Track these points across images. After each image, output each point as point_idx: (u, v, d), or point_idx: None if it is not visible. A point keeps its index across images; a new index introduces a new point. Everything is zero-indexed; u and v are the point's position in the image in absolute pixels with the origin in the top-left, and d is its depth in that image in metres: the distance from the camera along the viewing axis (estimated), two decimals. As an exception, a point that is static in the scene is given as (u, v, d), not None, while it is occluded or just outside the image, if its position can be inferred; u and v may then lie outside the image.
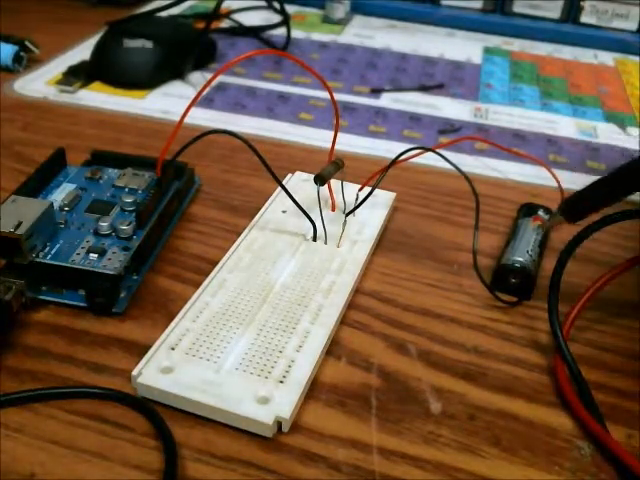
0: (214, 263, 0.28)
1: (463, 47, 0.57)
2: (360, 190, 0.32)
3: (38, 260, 0.27)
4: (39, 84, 0.45)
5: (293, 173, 0.35)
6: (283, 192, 0.30)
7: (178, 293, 0.28)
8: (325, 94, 0.45)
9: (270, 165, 0.30)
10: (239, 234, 0.30)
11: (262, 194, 0.34)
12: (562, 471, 0.22)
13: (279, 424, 0.22)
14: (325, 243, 0.30)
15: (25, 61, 0.47)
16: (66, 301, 0.27)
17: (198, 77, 0.48)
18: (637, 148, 0.43)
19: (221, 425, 0.22)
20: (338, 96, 0.44)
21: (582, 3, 0.59)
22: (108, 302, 0.26)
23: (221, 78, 0.48)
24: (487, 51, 0.57)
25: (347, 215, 0.31)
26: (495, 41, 0.59)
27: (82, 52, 0.50)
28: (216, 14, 0.48)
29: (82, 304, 0.27)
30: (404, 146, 0.32)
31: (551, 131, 0.44)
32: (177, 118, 0.30)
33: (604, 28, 0.59)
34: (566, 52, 0.58)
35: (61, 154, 0.33)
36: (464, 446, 0.23)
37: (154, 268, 0.29)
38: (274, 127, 0.42)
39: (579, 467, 0.22)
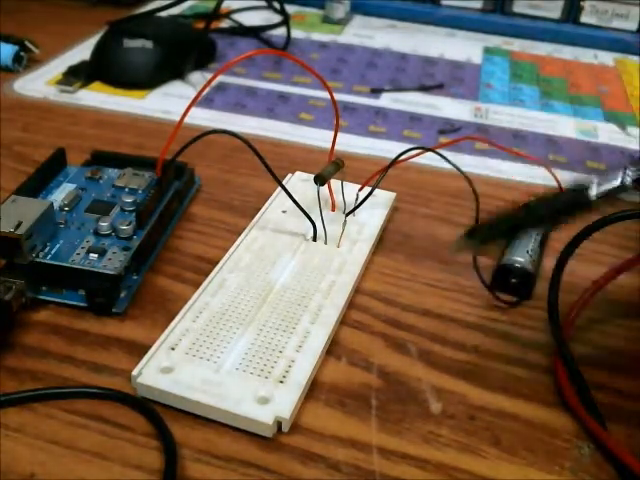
0: (214, 263, 0.28)
1: (463, 47, 0.57)
2: (360, 190, 0.32)
3: (38, 260, 0.27)
4: (39, 84, 0.45)
5: (293, 173, 0.35)
6: (283, 192, 0.30)
7: (178, 293, 0.28)
8: (325, 94, 0.45)
9: (270, 165, 0.30)
10: (239, 234, 0.30)
11: (262, 194, 0.34)
12: (562, 471, 0.22)
13: (279, 424, 0.22)
14: (325, 243, 0.30)
15: (25, 61, 0.47)
16: (66, 301, 0.27)
17: (198, 77, 0.48)
18: (637, 148, 0.43)
19: (221, 425, 0.22)
20: (338, 96, 0.44)
21: (582, 3, 0.59)
22: (108, 302, 0.26)
23: (221, 78, 0.48)
24: (487, 51, 0.57)
25: (347, 215, 0.31)
26: (495, 41, 0.59)
27: (82, 52, 0.50)
28: (216, 14, 0.48)
29: (82, 304, 0.27)
30: (404, 146, 0.32)
31: (551, 131, 0.44)
32: (177, 118, 0.30)
33: (604, 28, 0.59)
34: (566, 52, 0.58)
35: (61, 154, 0.33)
36: (464, 446, 0.23)
37: (154, 268, 0.29)
38: (274, 127, 0.42)
39: (579, 467, 0.22)
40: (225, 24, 0.58)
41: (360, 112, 0.45)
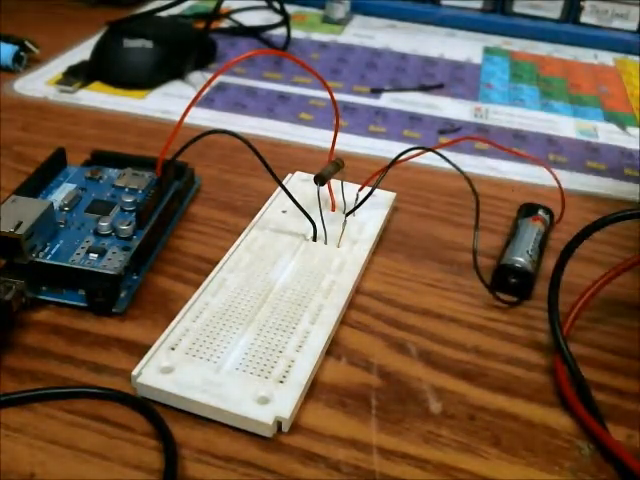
0: (214, 263, 0.28)
1: (463, 47, 0.57)
2: (360, 190, 0.32)
3: (38, 260, 0.27)
4: (39, 84, 0.45)
5: (293, 173, 0.35)
6: (283, 192, 0.30)
7: (178, 293, 0.28)
8: (325, 94, 0.45)
9: (270, 165, 0.30)
10: (239, 234, 0.30)
11: (262, 194, 0.34)
12: (562, 471, 0.22)
13: (279, 424, 0.22)
14: (325, 243, 0.30)
15: (25, 61, 0.47)
16: (66, 301, 0.27)
17: (198, 77, 0.48)
18: (637, 148, 0.43)
19: (221, 425, 0.22)
20: (338, 96, 0.44)
21: (582, 3, 0.59)
22: (108, 302, 0.26)
23: (221, 78, 0.48)
24: (487, 51, 0.57)
25: (347, 215, 0.31)
26: (495, 41, 0.59)
27: (82, 52, 0.50)
28: (216, 14, 0.48)
29: (82, 304, 0.27)
30: (404, 146, 0.32)
31: (551, 131, 0.44)
32: (177, 118, 0.30)
33: (604, 28, 0.59)
34: (566, 52, 0.58)
35: (61, 154, 0.33)
36: (464, 446, 0.23)
37: (154, 268, 0.29)
38: (274, 127, 0.42)
39: (579, 467, 0.22)
40: (225, 24, 0.58)
41: (360, 112, 0.45)
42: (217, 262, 0.28)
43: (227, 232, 0.32)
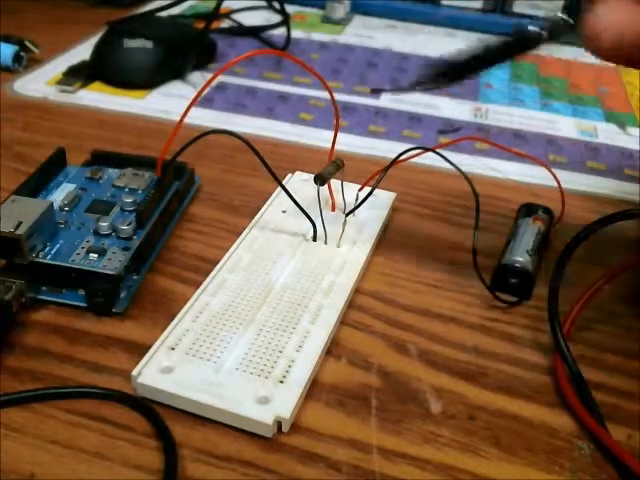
0: (214, 263, 0.28)
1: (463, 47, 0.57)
2: (360, 190, 0.32)
3: (38, 260, 0.27)
4: (39, 84, 0.45)
5: (293, 173, 0.35)
6: (283, 192, 0.30)
7: (178, 293, 0.28)
8: (325, 94, 0.45)
9: (270, 165, 0.30)
10: (239, 234, 0.30)
11: (262, 194, 0.34)
12: (562, 471, 0.22)
13: (279, 424, 0.22)
14: (325, 243, 0.30)
15: (25, 61, 0.47)
16: (66, 301, 0.27)
17: (198, 77, 0.48)
18: (637, 148, 0.43)
19: (221, 425, 0.22)
20: (338, 96, 0.44)
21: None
22: (108, 302, 0.26)
23: (221, 78, 0.48)
24: (487, 51, 0.57)
25: (347, 215, 0.31)
26: (495, 41, 0.59)
27: (82, 52, 0.50)
28: (216, 14, 0.48)
29: (82, 304, 0.27)
30: (404, 146, 0.32)
31: (551, 131, 0.44)
32: (177, 118, 0.30)
33: (604, 28, 0.59)
34: (566, 52, 0.58)
35: (61, 154, 0.33)
36: (464, 446, 0.23)
37: (154, 268, 0.29)
38: (274, 127, 0.42)
39: (579, 467, 0.22)
40: (225, 24, 0.58)
41: (360, 112, 0.45)
42: (217, 262, 0.28)
43: (227, 232, 0.32)
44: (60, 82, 0.45)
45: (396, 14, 0.62)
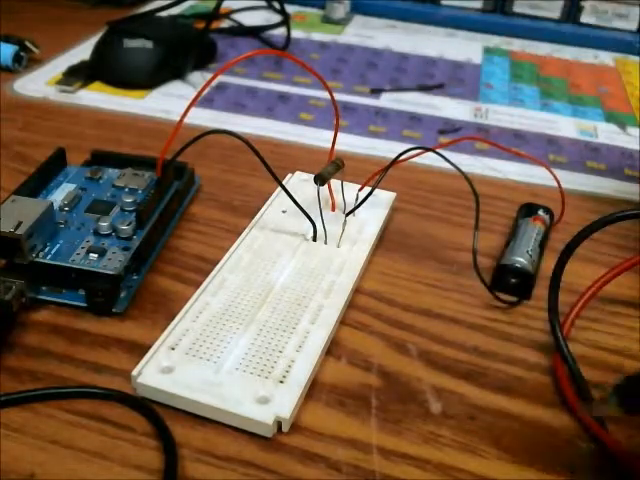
0: (214, 263, 0.28)
1: (463, 47, 0.57)
2: (360, 190, 0.32)
3: (38, 260, 0.27)
4: (39, 84, 0.45)
5: (293, 173, 0.35)
6: (283, 192, 0.30)
7: (178, 293, 0.28)
8: (325, 94, 0.45)
9: (270, 165, 0.30)
10: (239, 234, 0.30)
11: (262, 194, 0.34)
12: (562, 471, 0.22)
13: (279, 424, 0.22)
14: (325, 243, 0.30)
15: (25, 61, 0.47)
16: (66, 301, 0.27)
17: (198, 77, 0.48)
18: (637, 148, 0.43)
19: (221, 425, 0.22)
20: (338, 96, 0.44)
21: (582, 3, 0.59)
22: (108, 302, 0.26)
23: (221, 78, 0.48)
24: (487, 51, 0.57)
25: (347, 215, 0.31)
26: (495, 41, 0.59)
27: (82, 52, 0.50)
28: (216, 14, 0.48)
29: (82, 304, 0.27)
30: (404, 146, 0.32)
31: (551, 131, 0.44)
32: (177, 118, 0.30)
33: (604, 28, 0.59)
34: (566, 52, 0.58)
35: (61, 154, 0.33)
36: (464, 446, 0.23)
37: (154, 268, 0.29)
38: (274, 127, 0.42)
39: (579, 467, 0.22)
40: (225, 24, 0.58)
41: (360, 112, 0.45)
42: (217, 262, 0.28)
43: (227, 232, 0.32)
44: (60, 82, 0.45)
45: (396, 14, 0.62)
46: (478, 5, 0.61)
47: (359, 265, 0.29)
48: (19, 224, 0.26)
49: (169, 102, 0.44)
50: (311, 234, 0.30)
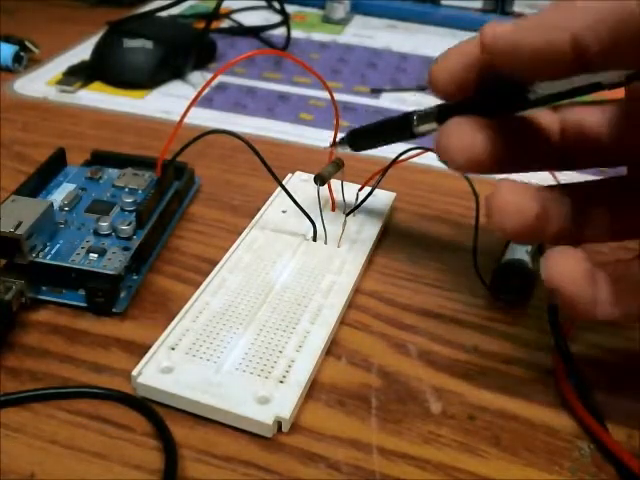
0: (214, 263, 0.28)
1: (463, 47, 0.57)
2: (360, 190, 0.32)
3: (38, 260, 0.27)
4: (39, 84, 0.45)
5: (293, 173, 0.35)
6: (283, 192, 0.30)
7: (178, 293, 0.28)
8: (325, 94, 0.45)
9: (270, 165, 0.30)
10: (239, 234, 0.30)
11: (262, 194, 0.34)
12: (562, 471, 0.22)
13: (279, 424, 0.22)
14: (325, 243, 0.30)
15: (25, 61, 0.47)
16: (66, 301, 0.27)
17: (198, 77, 0.48)
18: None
19: (221, 425, 0.22)
20: (338, 96, 0.44)
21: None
22: (108, 302, 0.26)
23: (221, 78, 0.48)
24: (487, 51, 0.57)
25: (347, 215, 0.31)
26: (495, 41, 0.59)
27: (82, 52, 0.50)
28: (216, 14, 0.49)
29: (82, 304, 0.27)
30: (404, 146, 0.32)
31: (551, 131, 0.44)
32: (177, 118, 0.30)
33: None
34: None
35: (61, 154, 0.33)
36: (464, 446, 0.23)
37: (154, 268, 0.29)
38: (274, 127, 0.42)
39: (579, 467, 0.22)
40: (225, 24, 0.58)
41: (360, 112, 0.45)
42: (217, 262, 0.28)
43: (227, 232, 0.32)
44: (60, 82, 0.45)
45: (396, 14, 0.62)
46: (478, 5, 0.61)
47: (359, 265, 0.29)
48: (19, 224, 0.26)
49: (169, 102, 0.44)
50: (311, 234, 0.30)
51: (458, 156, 0.23)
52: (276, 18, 0.59)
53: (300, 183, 0.34)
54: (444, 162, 0.23)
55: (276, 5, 0.60)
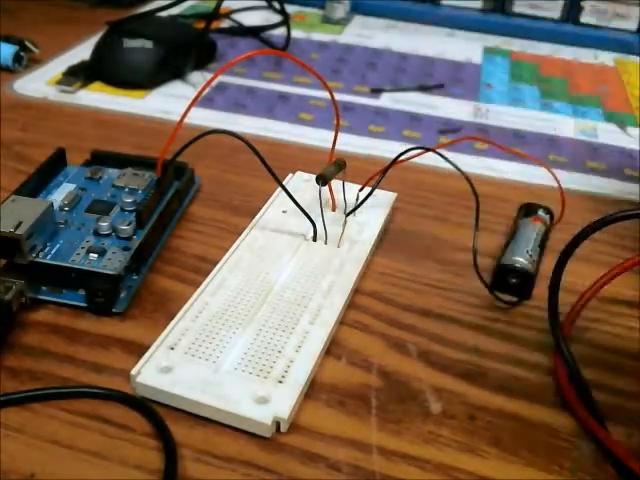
0: (214, 263, 0.28)
1: (463, 47, 0.57)
2: (360, 190, 0.32)
3: (38, 260, 0.27)
4: (39, 84, 0.45)
5: (293, 173, 0.35)
6: (283, 192, 0.30)
7: (178, 293, 0.28)
8: (325, 94, 0.45)
9: (270, 165, 0.30)
10: (239, 234, 0.30)
11: (262, 194, 0.34)
12: (562, 471, 0.22)
13: (277, 424, 0.22)
14: (325, 243, 0.30)
15: (25, 61, 0.47)
16: (66, 301, 0.27)
17: (198, 77, 0.48)
18: (637, 148, 0.43)
19: (221, 425, 0.22)
20: (338, 96, 0.44)
21: (582, 3, 0.59)
22: (108, 302, 0.26)
23: (221, 78, 0.48)
24: (487, 51, 0.57)
25: (347, 215, 0.31)
26: (495, 41, 0.59)
27: (82, 52, 0.50)
28: (216, 14, 0.48)
29: (82, 304, 0.27)
30: (404, 146, 0.32)
31: (551, 131, 0.44)
32: (177, 118, 0.30)
33: (604, 28, 0.59)
34: (566, 52, 0.58)
35: (61, 154, 0.33)
36: (464, 446, 0.23)
37: (154, 268, 0.29)
38: (274, 127, 0.42)
39: (579, 467, 0.22)
40: (225, 24, 0.58)
41: (360, 112, 0.45)
42: (217, 262, 0.28)
43: (227, 232, 0.32)
44: (60, 82, 0.45)
45: (396, 14, 0.62)
46: (478, 5, 0.61)
47: (359, 265, 0.29)
48: (19, 224, 0.26)
49: (169, 102, 0.44)
50: (311, 234, 0.30)
51: None
52: (276, 18, 0.59)
53: (300, 183, 0.34)
54: None
55: (276, 5, 0.60)
